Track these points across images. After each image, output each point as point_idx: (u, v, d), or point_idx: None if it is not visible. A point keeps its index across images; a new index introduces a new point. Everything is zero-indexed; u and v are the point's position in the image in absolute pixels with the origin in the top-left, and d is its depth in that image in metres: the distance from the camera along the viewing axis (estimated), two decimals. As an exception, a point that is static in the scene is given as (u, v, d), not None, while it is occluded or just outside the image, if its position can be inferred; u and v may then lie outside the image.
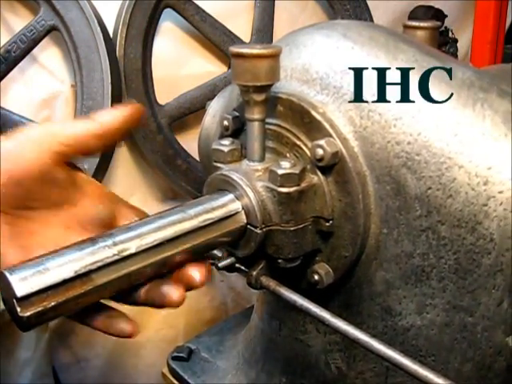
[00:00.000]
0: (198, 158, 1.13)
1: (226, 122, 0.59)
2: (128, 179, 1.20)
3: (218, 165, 0.57)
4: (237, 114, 0.58)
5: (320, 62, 0.55)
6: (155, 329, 1.27)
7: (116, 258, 0.45)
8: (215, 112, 0.68)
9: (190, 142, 1.15)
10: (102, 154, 1.01)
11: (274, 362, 0.70)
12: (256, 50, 0.50)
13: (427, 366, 0.45)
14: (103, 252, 0.45)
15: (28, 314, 0.41)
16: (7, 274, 0.41)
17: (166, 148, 1.11)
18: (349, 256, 0.54)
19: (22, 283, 0.41)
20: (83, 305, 0.44)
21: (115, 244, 0.45)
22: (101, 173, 1.04)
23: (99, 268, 0.44)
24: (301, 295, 0.52)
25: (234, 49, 0.51)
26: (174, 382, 0.78)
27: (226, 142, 0.57)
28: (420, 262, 0.51)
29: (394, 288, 0.54)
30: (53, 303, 0.42)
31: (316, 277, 0.55)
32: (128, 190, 1.22)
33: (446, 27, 1.47)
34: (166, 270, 0.50)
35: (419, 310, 0.53)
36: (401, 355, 0.46)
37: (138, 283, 0.49)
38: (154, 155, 1.10)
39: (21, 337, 1.17)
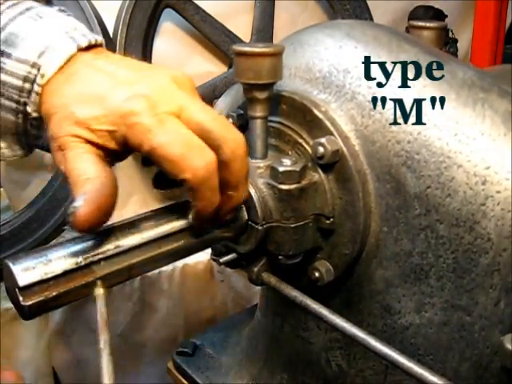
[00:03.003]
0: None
1: (230, 120, 0.59)
2: (128, 179, 1.20)
3: (221, 162, 0.57)
4: (241, 111, 0.59)
5: (323, 61, 0.55)
6: (155, 329, 1.27)
7: (117, 250, 0.45)
8: (221, 110, 0.69)
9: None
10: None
11: (275, 358, 0.70)
12: (258, 49, 0.50)
13: (426, 365, 0.45)
14: (105, 245, 0.45)
15: (30, 303, 0.41)
16: (10, 264, 0.41)
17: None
18: (349, 254, 0.54)
19: (25, 273, 0.41)
20: (84, 296, 0.45)
21: (117, 237, 0.46)
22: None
23: (100, 260, 0.44)
24: (301, 292, 0.53)
25: (237, 47, 0.51)
26: (179, 376, 0.78)
27: (230, 139, 0.57)
28: (419, 260, 0.51)
29: (394, 286, 0.54)
30: (54, 293, 0.42)
31: (316, 274, 0.55)
32: (128, 190, 1.22)
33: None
34: (168, 263, 0.50)
35: (418, 309, 0.53)
36: (397, 353, 0.46)
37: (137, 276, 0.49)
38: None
39: (21, 337, 1.16)
